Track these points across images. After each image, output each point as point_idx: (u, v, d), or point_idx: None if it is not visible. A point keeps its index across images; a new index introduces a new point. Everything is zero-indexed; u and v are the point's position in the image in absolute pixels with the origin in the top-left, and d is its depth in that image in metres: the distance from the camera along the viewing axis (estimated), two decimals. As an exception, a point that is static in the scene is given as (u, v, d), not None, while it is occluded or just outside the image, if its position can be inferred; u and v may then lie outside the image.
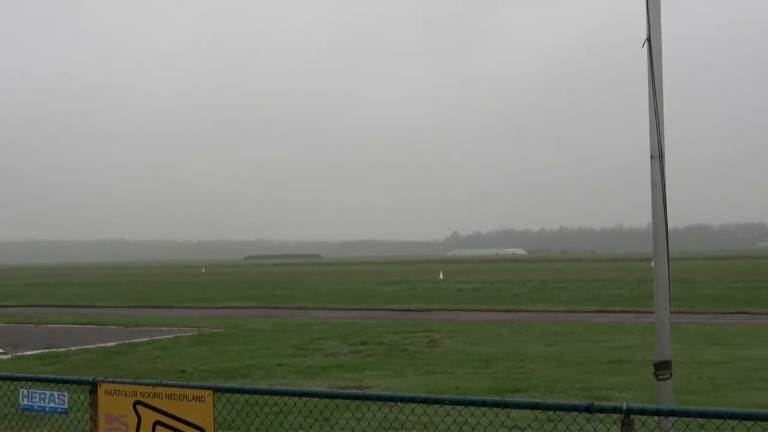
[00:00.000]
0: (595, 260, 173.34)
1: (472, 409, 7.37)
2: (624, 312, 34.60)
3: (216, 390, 7.23)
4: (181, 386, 7.35)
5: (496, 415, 7.22)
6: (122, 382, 7.62)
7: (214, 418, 7.09)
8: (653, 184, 6.66)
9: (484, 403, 6.48)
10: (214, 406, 7.10)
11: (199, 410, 7.10)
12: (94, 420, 7.63)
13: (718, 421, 5.88)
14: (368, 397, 7.36)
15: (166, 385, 7.39)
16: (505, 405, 6.33)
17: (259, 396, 7.74)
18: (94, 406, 7.61)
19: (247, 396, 8.05)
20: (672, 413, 5.84)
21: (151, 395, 7.31)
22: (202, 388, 7.23)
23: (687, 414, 5.79)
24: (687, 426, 8.10)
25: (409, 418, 10.15)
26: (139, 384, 7.55)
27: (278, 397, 7.64)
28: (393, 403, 11.70)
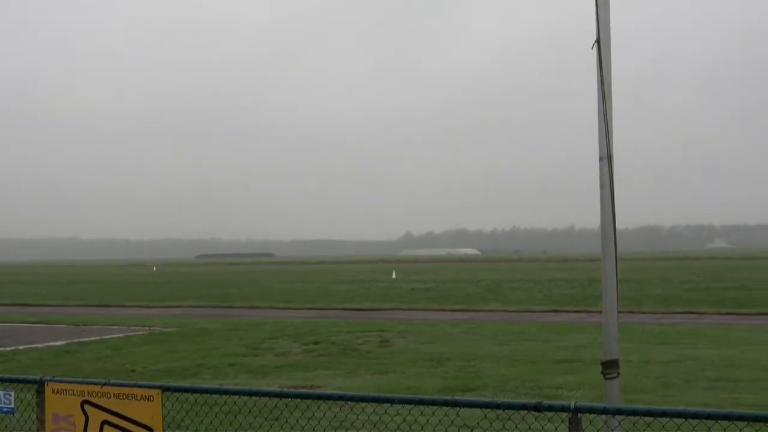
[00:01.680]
0: (547, 260, 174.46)
1: (423, 408, 7.38)
2: (575, 312, 34.86)
3: (165, 389, 7.18)
4: (130, 385, 7.29)
5: (445, 414, 7.26)
6: (70, 382, 7.53)
7: (164, 418, 7.04)
8: (602, 186, 6.72)
9: (434, 402, 6.50)
10: (164, 405, 7.05)
11: (148, 410, 7.05)
12: (41, 419, 7.55)
13: (664, 420, 5.95)
14: (319, 397, 7.35)
15: (114, 385, 7.32)
16: (455, 404, 6.35)
17: (209, 395, 7.71)
18: (41, 405, 7.53)
19: (197, 395, 8.02)
20: (619, 412, 5.90)
21: (99, 394, 7.24)
22: (151, 387, 7.17)
23: (634, 412, 5.84)
24: (634, 424, 8.18)
25: (359, 417, 10.16)
26: (87, 383, 7.47)
27: (228, 396, 7.62)
28: (344, 403, 11.72)
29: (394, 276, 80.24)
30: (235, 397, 7.87)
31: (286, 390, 14.63)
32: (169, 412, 7.52)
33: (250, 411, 8.83)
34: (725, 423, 5.78)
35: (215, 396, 7.62)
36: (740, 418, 5.47)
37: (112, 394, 7.19)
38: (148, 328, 30.03)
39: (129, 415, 7.11)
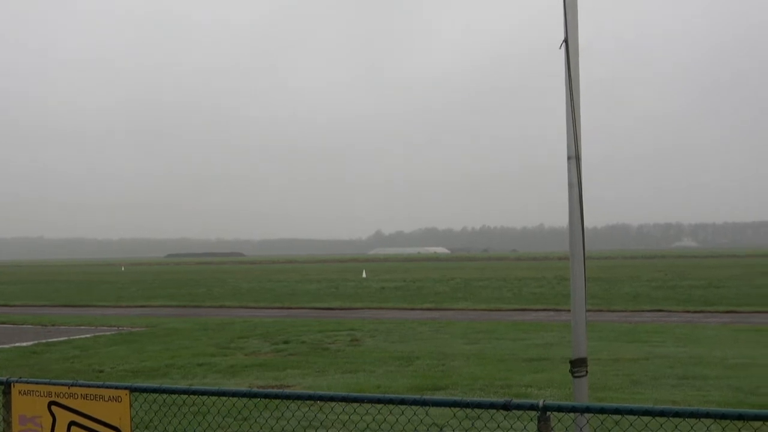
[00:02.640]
0: (517, 259, 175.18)
1: (392, 407, 7.39)
2: (544, 310, 35.01)
3: (133, 390, 7.13)
4: (98, 386, 7.23)
5: (414, 413, 7.25)
6: (37, 383, 7.46)
7: (131, 418, 7.00)
8: (570, 185, 6.74)
9: (403, 401, 6.49)
10: (132, 406, 7.00)
11: (116, 410, 6.99)
12: (7, 421, 7.48)
13: (632, 417, 5.99)
14: (288, 396, 7.32)
15: (81, 385, 7.26)
16: (424, 403, 6.35)
17: (177, 396, 7.66)
18: (7, 406, 7.46)
19: (165, 396, 7.96)
20: (587, 410, 5.92)
21: (67, 395, 7.18)
22: (118, 388, 7.12)
23: (602, 410, 5.87)
24: (602, 422, 8.23)
25: (328, 416, 10.14)
26: (54, 384, 7.40)
27: (197, 396, 7.57)
28: (314, 402, 11.70)
29: (364, 275, 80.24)
30: (204, 398, 7.85)
31: (255, 390, 14.57)
32: (137, 413, 7.49)
33: (219, 411, 8.82)
34: (692, 420, 5.82)
35: (184, 396, 7.56)
36: (707, 415, 5.51)
37: (80, 395, 7.13)
38: (116, 328, 29.86)
39: (97, 416, 7.06)
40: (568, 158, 6.76)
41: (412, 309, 37.51)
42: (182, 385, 16.32)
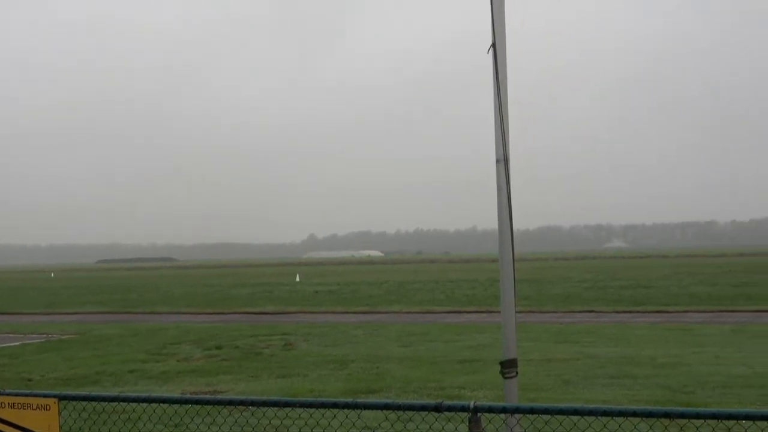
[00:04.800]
0: (450, 261, 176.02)
1: (325, 411, 7.39)
2: (477, 312, 35.22)
3: (62, 398, 7.03)
4: (25, 394, 7.12)
5: (347, 416, 7.26)
6: (-38, 392, 7.33)
7: (60, 427, 6.90)
8: (499, 188, 6.79)
9: (335, 405, 6.49)
10: (61, 414, 6.91)
11: (45, 419, 6.89)
12: (-69, 432, 7.33)
13: (561, 417, 6.06)
14: (220, 402, 7.30)
15: (9, 394, 7.14)
16: (356, 406, 6.36)
17: (108, 403, 7.57)
18: (-69, 417, 7.31)
19: (95, 403, 7.86)
20: (517, 410, 5.98)
21: (-7, 405, 7.06)
22: (47, 396, 7.02)
23: (532, 411, 5.93)
24: (532, 422, 8.31)
25: (260, 421, 10.09)
26: (-20, 393, 7.28)
27: (128, 403, 7.50)
28: (246, 407, 11.63)
29: (297, 279, 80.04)
30: (135, 405, 7.77)
31: (187, 396, 14.45)
32: (66, 421, 7.38)
33: (149, 418, 8.73)
34: (620, 419, 5.91)
35: (114, 404, 7.48)
36: (635, 414, 5.60)
37: (7, 404, 7.02)
38: (45, 335, 29.39)
39: (25, 425, 6.95)
40: (497, 161, 6.81)
41: (346, 312, 37.50)
42: (113, 392, 16.13)
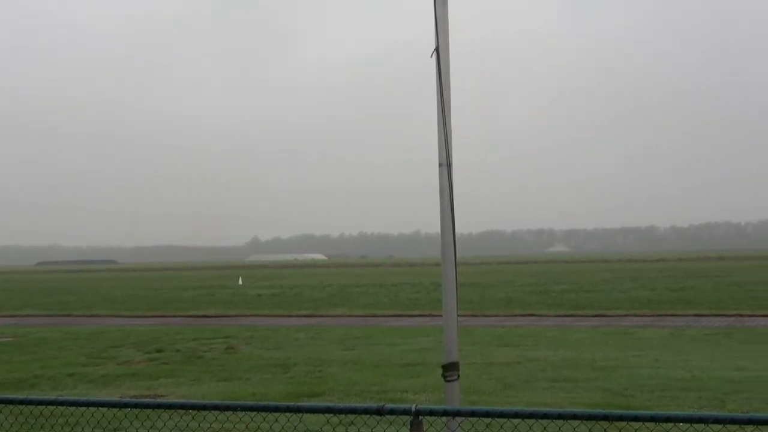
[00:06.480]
0: (393, 265, 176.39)
1: (266, 414, 7.34)
2: (420, 315, 35.34)
3: (-3, 402, 6.91)
4: (-41, 399, 6.99)
5: (288, 420, 7.23)
6: None
7: (-5, 432, 6.79)
8: (441, 192, 6.83)
9: (277, 409, 6.46)
10: (-5, 418, 6.79)
11: (-21, 423, 6.77)
12: None
13: (502, 420, 6.09)
14: (160, 405, 7.20)
15: (-58, 398, 7.01)
16: (298, 410, 6.34)
17: (45, 407, 7.46)
18: None
19: (32, 407, 7.76)
20: (458, 413, 6.00)
21: (-74, 409, 6.92)
22: (-19, 400, 6.90)
23: (473, 414, 5.96)
24: (473, 425, 8.35)
25: (200, 425, 10.02)
26: None
27: (66, 407, 7.38)
28: (186, 411, 11.54)
29: (240, 282, 79.64)
30: (74, 409, 7.65)
31: (127, 399, 14.30)
32: (2, 425, 7.26)
33: (88, 422, 8.60)
34: (560, 422, 5.96)
35: (52, 407, 7.36)
36: (574, 416, 5.65)
37: (-60, 409, 6.88)
38: (-18, 338, 28.91)
39: (-42, 430, 6.82)
40: (440, 165, 6.85)
41: (289, 316, 37.42)
42: (51, 396, 15.90)
